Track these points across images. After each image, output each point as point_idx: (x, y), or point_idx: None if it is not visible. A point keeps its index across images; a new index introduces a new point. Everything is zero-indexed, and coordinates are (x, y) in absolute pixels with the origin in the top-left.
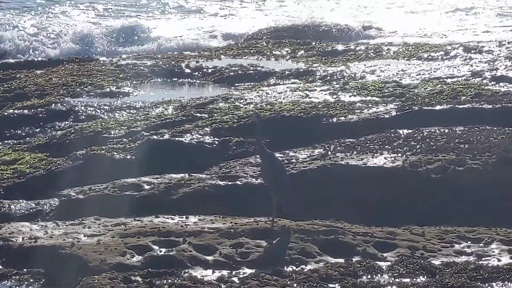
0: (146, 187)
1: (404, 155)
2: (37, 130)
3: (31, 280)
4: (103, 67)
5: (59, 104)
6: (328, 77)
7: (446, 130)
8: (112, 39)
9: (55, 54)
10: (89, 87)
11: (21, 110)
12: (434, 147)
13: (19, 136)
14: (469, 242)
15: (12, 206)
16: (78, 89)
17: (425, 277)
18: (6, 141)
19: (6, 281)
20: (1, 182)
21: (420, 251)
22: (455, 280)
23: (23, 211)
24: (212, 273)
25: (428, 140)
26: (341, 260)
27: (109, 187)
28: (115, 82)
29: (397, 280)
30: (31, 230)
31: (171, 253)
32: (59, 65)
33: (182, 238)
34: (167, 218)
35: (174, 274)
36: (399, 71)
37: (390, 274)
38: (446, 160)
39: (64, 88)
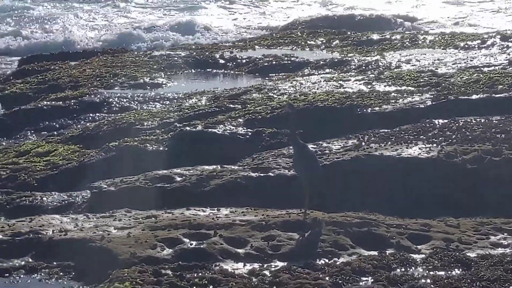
0: (178, 179)
1: (439, 146)
2: (71, 121)
3: (61, 273)
4: (137, 58)
5: (92, 96)
6: (363, 67)
7: (482, 120)
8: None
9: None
10: (123, 78)
11: (55, 102)
12: (470, 137)
13: (52, 128)
14: (505, 234)
15: (44, 198)
16: (111, 81)
17: (460, 270)
18: (40, 133)
19: (36, 274)
20: (34, 174)
21: (455, 243)
22: (491, 273)
23: (55, 203)
24: (243, 266)
25: (464, 130)
26: (374, 253)
27: (140, 179)
28: (148, 73)
29: (431, 273)
30: (61, 222)
31: (201, 246)
32: (93, 57)
33: (213, 230)
34: (198, 211)
35: (204, 267)
36: (435, 60)
37: (424, 267)
38: (482, 151)
39: (98, 79)
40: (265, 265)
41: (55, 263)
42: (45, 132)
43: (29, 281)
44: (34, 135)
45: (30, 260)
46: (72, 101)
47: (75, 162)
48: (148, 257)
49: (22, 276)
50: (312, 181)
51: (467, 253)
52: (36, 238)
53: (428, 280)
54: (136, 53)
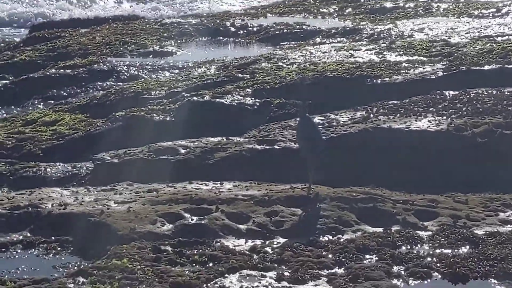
0: (182, 151)
1: (449, 118)
2: (79, 90)
3: (59, 248)
4: (147, 25)
5: (101, 64)
6: (375, 36)
7: (494, 92)
8: None
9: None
10: (132, 46)
11: (64, 70)
12: (480, 109)
13: (60, 97)
14: None
15: (48, 169)
16: (121, 49)
17: (467, 248)
18: (48, 102)
19: (33, 250)
20: (40, 144)
21: (463, 220)
22: (499, 252)
23: (59, 174)
24: (245, 243)
25: (474, 102)
26: (380, 230)
27: (144, 151)
28: (158, 41)
29: (437, 251)
30: (61, 196)
31: (203, 222)
32: (104, 24)
33: (214, 205)
34: (201, 185)
35: (205, 243)
36: (448, 29)
37: (431, 244)
38: (493, 124)
39: (108, 47)
40: (267, 242)
41: (53, 238)
42: (53, 101)
43: (26, 256)
44: (42, 103)
45: (28, 234)
46: (81, 69)
47: (81, 132)
48: (148, 233)
49: (19, 251)
50: (314, 153)
51: (474, 231)
52: (35, 212)
53: (434, 259)
54: (146, 20)
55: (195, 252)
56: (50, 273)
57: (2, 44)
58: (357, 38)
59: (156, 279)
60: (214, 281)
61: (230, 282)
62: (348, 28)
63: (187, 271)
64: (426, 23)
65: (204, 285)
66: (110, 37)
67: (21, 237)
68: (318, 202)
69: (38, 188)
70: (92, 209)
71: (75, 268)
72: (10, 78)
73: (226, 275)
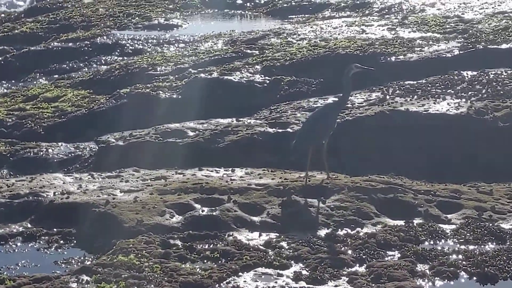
0: (191, 133)
1: (469, 101)
2: (82, 64)
3: (61, 241)
4: None
5: (105, 37)
6: (386, 10)
7: None
8: None
9: None
10: (137, 18)
11: (66, 43)
12: (501, 92)
13: (62, 71)
14: None
15: (50, 150)
16: (125, 21)
17: (494, 243)
18: (50, 76)
19: (34, 243)
20: (42, 122)
21: (488, 213)
22: None
23: (61, 155)
24: (259, 237)
25: (494, 83)
26: (401, 223)
27: (151, 133)
28: (164, 13)
29: (462, 247)
30: (63, 183)
31: (214, 213)
32: None
33: (226, 196)
34: (211, 171)
35: (217, 237)
36: (460, 4)
37: (455, 239)
38: None
39: (111, 19)
40: (282, 236)
41: (55, 229)
42: (55, 75)
43: (26, 250)
44: (43, 78)
45: (29, 225)
46: (84, 42)
47: (84, 109)
48: (156, 225)
49: (19, 244)
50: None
51: (501, 224)
52: (36, 201)
53: (460, 256)
54: None
55: (207, 247)
56: (51, 269)
57: (3, 15)
58: (367, 12)
59: (165, 278)
60: (227, 280)
61: (244, 281)
62: (358, 2)
63: (198, 269)
64: None
65: (217, 285)
66: (114, 9)
67: (21, 229)
68: (336, 192)
69: (39, 174)
70: (96, 198)
71: (79, 264)
72: (11, 50)
73: (240, 273)
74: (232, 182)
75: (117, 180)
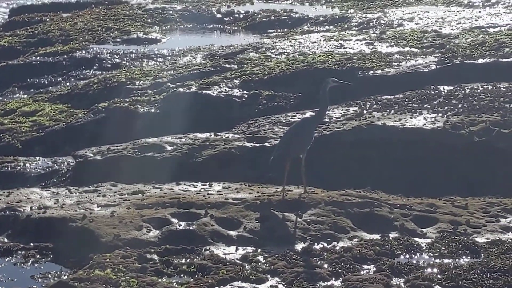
0: (168, 148)
1: (445, 116)
2: (60, 78)
3: (38, 256)
4: (131, 11)
5: (83, 51)
6: (364, 25)
7: (490, 87)
8: None
9: None
10: (116, 32)
11: (44, 57)
12: (477, 106)
13: (41, 85)
14: None
15: (28, 165)
16: (104, 35)
17: (469, 257)
18: (27, 90)
19: (10, 257)
20: (19, 136)
21: (463, 227)
22: (502, 263)
23: (38, 170)
24: (236, 251)
25: (470, 98)
26: (377, 237)
27: (128, 148)
28: (142, 27)
29: (437, 260)
30: (41, 198)
31: (191, 228)
32: (86, 8)
33: (203, 210)
34: (189, 186)
35: (194, 251)
36: (438, 18)
37: (431, 253)
38: (490, 122)
39: (90, 33)
40: (259, 250)
41: (32, 244)
42: (33, 89)
43: (3, 264)
44: (21, 92)
45: (6, 240)
46: (63, 56)
47: (62, 123)
48: (133, 240)
49: None
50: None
51: (475, 238)
52: (13, 216)
53: (435, 270)
54: (130, 5)
55: (183, 261)
56: (28, 284)
57: None
58: (346, 26)
59: None
60: None
61: None
62: (336, 16)
63: (175, 283)
64: (416, 12)
65: None
66: (92, 23)
67: None
68: (313, 206)
69: (16, 188)
70: (73, 213)
71: (55, 279)
72: None
73: (217, 287)
74: (209, 197)
75: (94, 195)
